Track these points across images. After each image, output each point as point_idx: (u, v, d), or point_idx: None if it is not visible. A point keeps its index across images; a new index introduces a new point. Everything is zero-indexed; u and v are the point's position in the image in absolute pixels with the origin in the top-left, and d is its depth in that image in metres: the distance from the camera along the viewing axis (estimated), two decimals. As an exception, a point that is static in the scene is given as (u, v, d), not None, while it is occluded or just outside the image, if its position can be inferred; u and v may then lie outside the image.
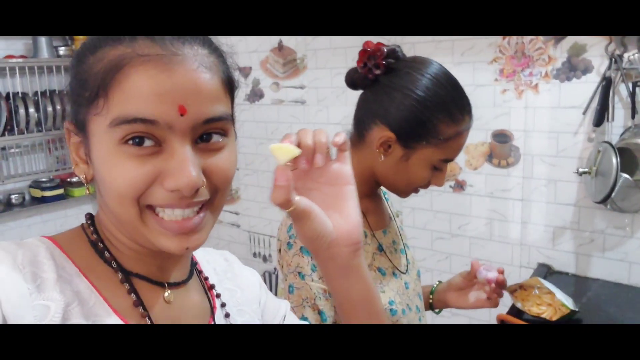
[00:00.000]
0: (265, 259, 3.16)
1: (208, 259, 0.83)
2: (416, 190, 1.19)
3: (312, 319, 1.06)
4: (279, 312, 0.87)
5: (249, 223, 3.18)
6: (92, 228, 0.67)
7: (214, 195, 0.63)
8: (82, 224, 0.69)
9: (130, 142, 0.57)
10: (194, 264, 0.78)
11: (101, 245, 0.66)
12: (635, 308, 1.85)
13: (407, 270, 1.26)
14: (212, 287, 0.78)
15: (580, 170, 1.98)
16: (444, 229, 2.47)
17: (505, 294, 1.42)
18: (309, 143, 0.62)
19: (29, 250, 0.59)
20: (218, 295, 0.78)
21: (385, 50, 1.11)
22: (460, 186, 2.40)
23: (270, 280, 3.06)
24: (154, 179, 0.58)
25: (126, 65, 0.57)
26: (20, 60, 3.18)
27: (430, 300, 1.42)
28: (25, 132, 3.22)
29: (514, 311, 1.74)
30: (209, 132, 0.61)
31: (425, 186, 1.17)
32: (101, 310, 0.61)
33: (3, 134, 3.11)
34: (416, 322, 1.22)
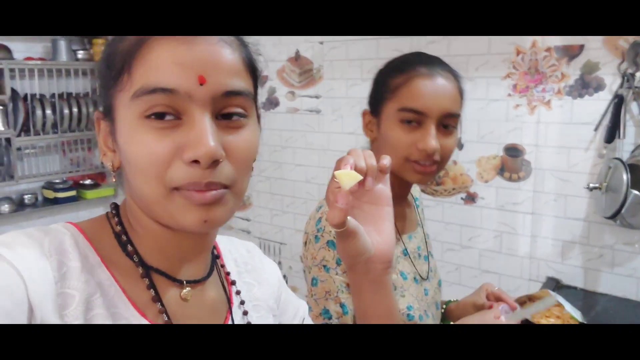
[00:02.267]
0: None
1: (230, 249, 0.84)
2: (416, 165, 1.11)
3: (334, 312, 1.07)
4: (299, 312, 0.89)
5: (260, 230, 3.21)
6: (116, 219, 0.68)
7: (235, 180, 0.62)
8: (107, 213, 0.70)
9: (153, 116, 0.58)
10: (215, 257, 0.78)
11: (124, 238, 0.66)
12: (643, 323, 1.87)
13: (428, 277, 1.28)
14: (233, 283, 0.79)
15: (591, 185, 2.01)
16: (455, 241, 2.49)
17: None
18: (364, 166, 0.67)
19: (55, 237, 0.60)
20: (238, 292, 0.78)
21: None
22: (471, 198, 2.43)
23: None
24: (175, 153, 0.58)
25: (148, 39, 0.59)
26: (39, 62, 3.23)
27: (442, 310, 1.43)
28: (41, 133, 3.26)
29: (523, 322, 1.76)
30: (230, 111, 0.61)
31: (416, 152, 1.10)
32: (120, 303, 0.62)
33: (19, 135, 3.15)
34: (432, 329, 1.23)
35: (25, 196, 3.37)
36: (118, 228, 0.67)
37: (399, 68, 1.15)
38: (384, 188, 0.73)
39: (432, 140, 1.08)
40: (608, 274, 2.13)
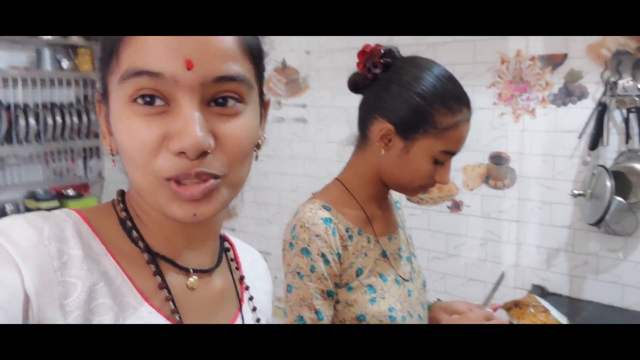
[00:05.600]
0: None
1: (240, 247, 0.84)
2: (423, 188, 1.18)
3: (308, 319, 1.08)
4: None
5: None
6: (122, 205, 0.66)
7: (227, 170, 0.59)
8: (113, 200, 0.68)
9: (140, 100, 0.55)
10: (226, 250, 0.78)
11: (129, 224, 0.65)
12: (628, 329, 1.88)
13: (411, 279, 1.27)
14: (242, 278, 0.78)
15: (575, 192, 2.03)
16: (440, 249, 2.49)
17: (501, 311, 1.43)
18: None
19: (55, 225, 0.58)
20: (247, 288, 0.78)
21: (383, 50, 1.15)
22: (457, 206, 2.43)
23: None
24: (162, 141, 0.55)
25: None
26: (23, 71, 3.21)
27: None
28: (24, 142, 3.23)
29: (511, 327, 1.76)
30: (225, 96, 0.57)
31: (431, 183, 1.16)
32: (127, 291, 0.60)
33: (2, 144, 3.12)
34: (418, 329, 1.23)
35: (7, 206, 3.32)
36: (123, 214, 0.66)
37: (448, 105, 1.10)
38: None
39: (449, 175, 1.16)
40: (593, 281, 2.14)
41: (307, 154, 2.86)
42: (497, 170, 2.31)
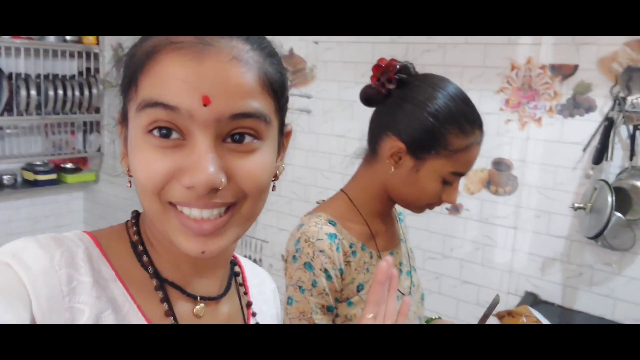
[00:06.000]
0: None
1: (251, 270, 0.84)
2: (430, 206, 1.19)
3: None
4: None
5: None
6: (135, 228, 0.67)
7: (241, 200, 0.59)
8: (127, 222, 0.68)
9: (156, 132, 0.55)
10: (235, 274, 0.78)
11: (140, 248, 0.65)
12: (618, 344, 1.90)
13: (410, 293, 1.29)
14: (249, 304, 0.78)
15: (576, 205, 2.04)
16: (437, 250, 2.51)
17: (494, 319, 1.45)
18: None
19: (67, 250, 0.58)
20: (254, 314, 0.78)
21: (398, 65, 1.14)
22: (456, 209, 2.44)
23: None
24: (174, 174, 0.55)
25: (158, 52, 0.56)
26: (25, 41, 3.17)
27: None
28: (24, 113, 3.20)
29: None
30: (241, 133, 0.57)
31: (438, 202, 1.17)
32: (134, 318, 0.61)
33: (2, 114, 3.10)
34: (414, 343, 1.24)
35: (5, 177, 3.32)
36: (135, 237, 0.66)
37: (461, 127, 1.11)
38: None
39: (457, 195, 1.18)
40: (586, 292, 2.16)
41: (310, 145, 2.85)
42: (499, 176, 2.32)
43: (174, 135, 0.55)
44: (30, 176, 3.39)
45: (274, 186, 0.66)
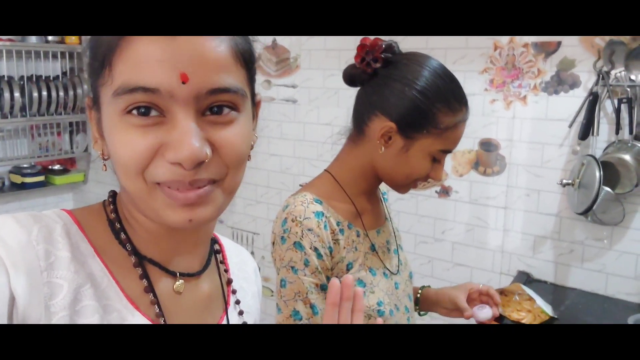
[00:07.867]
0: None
1: (231, 249, 0.83)
2: (414, 185, 1.20)
3: (304, 313, 1.09)
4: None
5: (232, 219, 3.18)
6: (112, 206, 0.67)
7: (224, 174, 0.60)
8: (104, 201, 0.69)
9: (134, 111, 0.55)
10: (216, 252, 0.78)
11: (118, 226, 0.65)
12: (611, 318, 1.91)
13: (398, 271, 1.28)
14: (229, 281, 0.78)
15: (564, 181, 2.03)
16: (428, 233, 2.50)
17: None
18: None
19: (45, 226, 0.58)
20: (234, 292, 0.78)
21: (383, 45, 1.14)
22: (445, 192, 2.44)
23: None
24: (157, 150, 0.56)
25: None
26: (7, 43, 3.14)
27: (418, 296, 1.44)
28: (9, 116, 3.18)
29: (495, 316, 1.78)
30: (219, 105, 0.58)
31: (425, 179, 1.18)
32: (113, 294, 0.61)
33: (-14, 117, 3.07)
34: (404, 322, 1.24)
35: (-8, 180, 3.29)
36: (112, 216, 0.66)
37: (450, 105, 1.11)
38: None
39: (443, 172, 1.20)
40: (578, 268, 2.16)
41: (297, 135, 2.83)
42: (486, 156, 2.31)
43: (153, 112, 0.56)
44: (17, 179, 3.37)
45: (249, 156, 0.66)
